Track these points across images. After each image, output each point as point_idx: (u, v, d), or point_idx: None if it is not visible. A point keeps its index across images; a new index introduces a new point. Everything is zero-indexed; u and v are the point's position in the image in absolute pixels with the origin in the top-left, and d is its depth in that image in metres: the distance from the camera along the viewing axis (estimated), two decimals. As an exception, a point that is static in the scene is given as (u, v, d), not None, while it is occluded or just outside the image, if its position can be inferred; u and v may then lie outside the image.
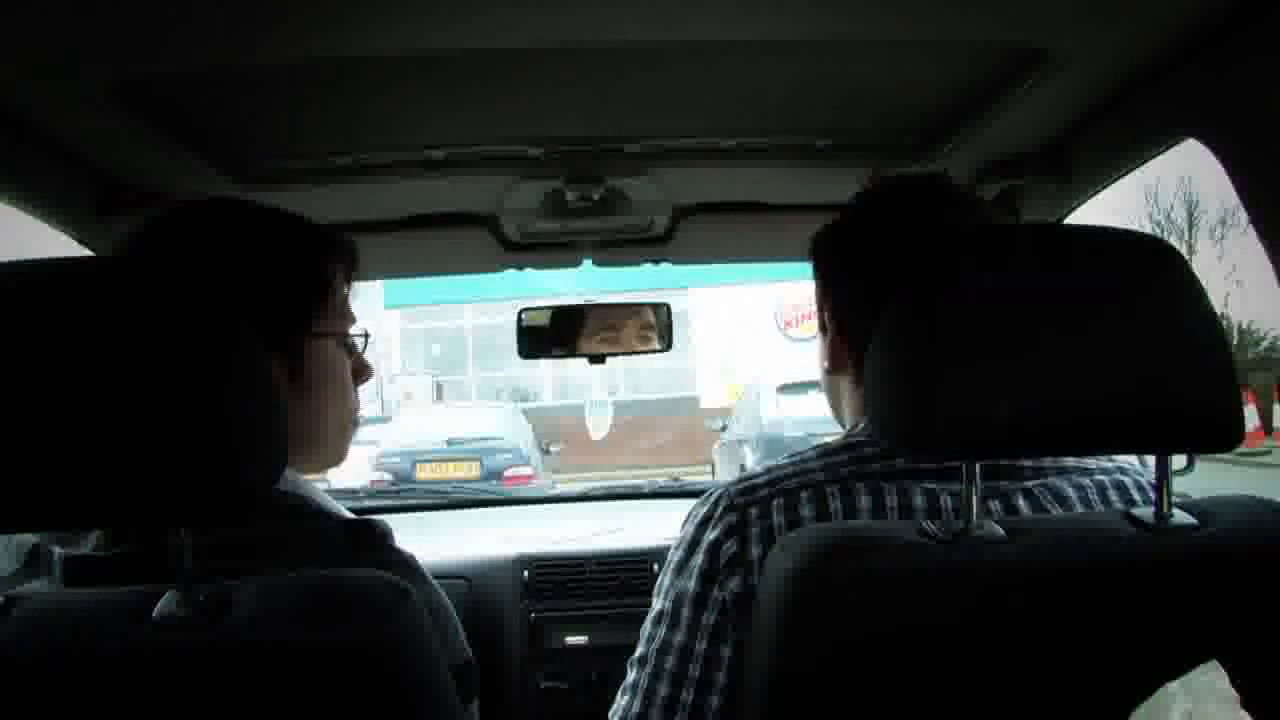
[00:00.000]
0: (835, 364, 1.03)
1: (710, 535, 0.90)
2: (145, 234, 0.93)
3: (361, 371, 1.04)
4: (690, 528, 0.93)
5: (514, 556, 1.83)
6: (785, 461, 0.94)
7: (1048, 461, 0.92)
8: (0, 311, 0.65)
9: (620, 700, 0.93)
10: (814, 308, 1.08)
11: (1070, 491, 0.90)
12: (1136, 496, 0.91)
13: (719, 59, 1.14)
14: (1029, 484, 0.90)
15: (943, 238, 0.81)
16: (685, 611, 0.89)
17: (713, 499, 0.93)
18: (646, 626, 0.93)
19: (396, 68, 1.10)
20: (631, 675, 0.92)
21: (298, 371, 0.94)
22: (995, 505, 0.88)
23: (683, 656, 0.88)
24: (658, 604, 0.93)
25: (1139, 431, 0.78)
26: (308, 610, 0.68)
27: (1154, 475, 0.81)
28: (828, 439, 1.01)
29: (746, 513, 0.89)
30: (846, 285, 1.01)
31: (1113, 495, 0.91)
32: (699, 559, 0.90)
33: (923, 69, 1.19)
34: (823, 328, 1.05)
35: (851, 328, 0.99)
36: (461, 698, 0.78)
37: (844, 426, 1.06)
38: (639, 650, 0.92)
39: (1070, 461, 0.93)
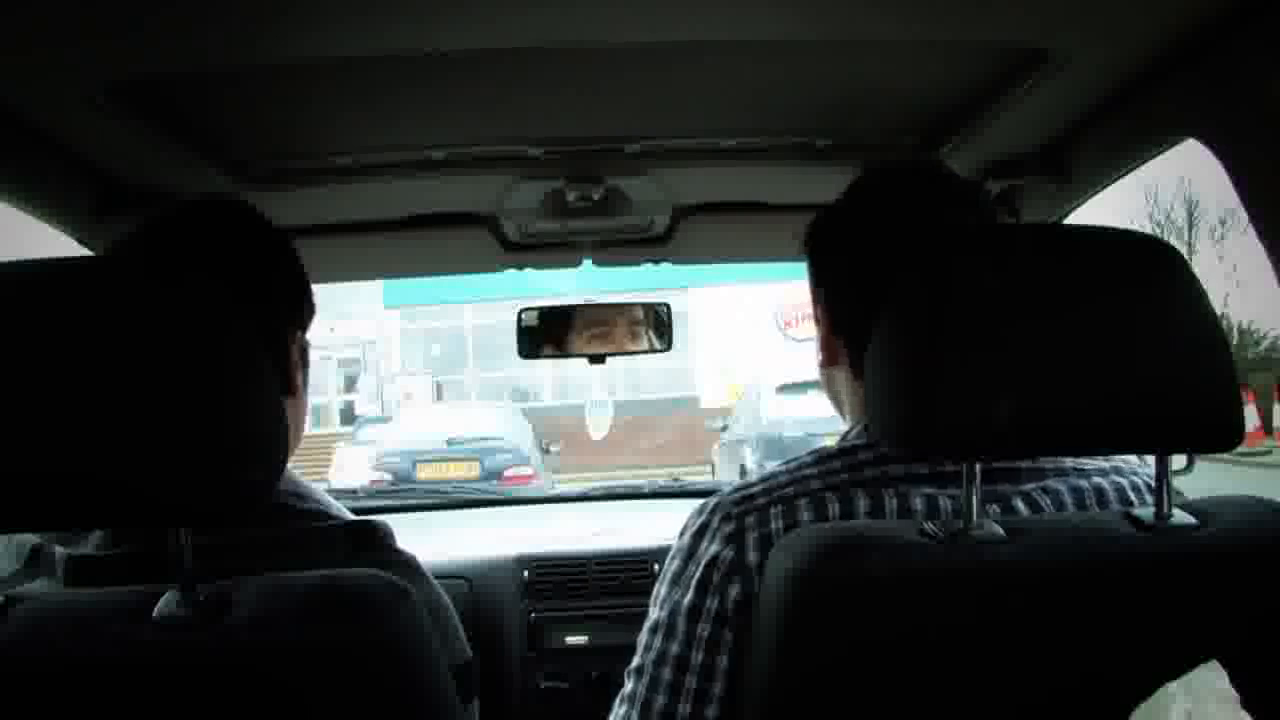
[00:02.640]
0: (829, 357, 1.02)
1: (706, 546, 0.89)
2: (142, 234, 0.93)
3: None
4: (686, 538, 0.93)
5: (514, 556, 1.83)
6: (780, 469, 0.93)
7: (1046, 464, 0.91)
8: (0, 311, 0.65)
9: (618, 710, 0.93)
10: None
11: (1067, 495, 0.90)
12: (1133, 497, 0.91)
13: (719, 59, 1.14)
14: (1026, 487, 0.90)
15: (940, 234, 0.81)
16: (681, 623, 0.89)
17: (708, 509, 0.92)
18: (643, 637, 0.92)
19: (396, 68, 1.10)
20: (629, 685, 0.92)
21: (282, 372, 0.95)
22: (994, 508, 0.87)
23: (679, 667, 0.88)
24: (654, 614, 0.92)
25: (1139, 431, 0.78)
26: (308, 610, 0.68)
27: (1154, 475, 0.81)
28: (828, 439, 1.01)
29: (744, 521, 0.88)
30: (839, 277, 1.00)
31: (1111, 497, 0.90)
32: (694, 570, 0.89)
33: (923, 69, 1.19)
34: (817, 321, 1.05)
35: (845, 321, 0.99)
36: (461, 698, 0.78)
37: (845, 420, 1.05)
38: (636, 660, 0.92)
39: (1068, 463, 0.92)
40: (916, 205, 0.97)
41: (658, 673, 0.89)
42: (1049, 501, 0.89)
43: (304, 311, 0.99)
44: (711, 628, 0.87)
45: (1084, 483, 0.91)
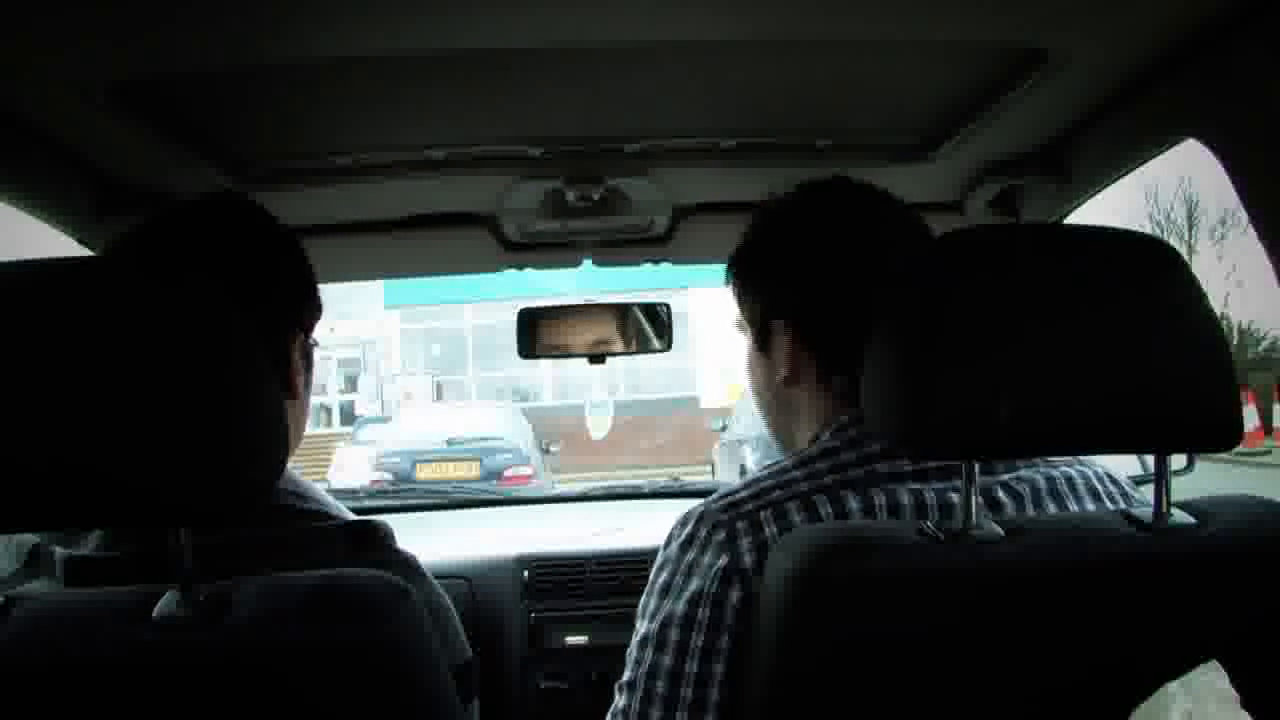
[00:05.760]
0: (794, 376, 1.00)
1: (696, 556, 0.89)
2: (142, 233, 0.93)
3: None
4: (673, 549, 0.92)
5: (514, 556, 1.83)
6: (763, 474, 0.93)
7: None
8: (0, 311, 0.65)
9: None
10: None
11: (1042, 483, 0.92)
12: (1098, 486, 0.94)
13: (719, 59, 1.14)
14: (1003, 477, 0.91)
15: (937, 239, 0.81)
16: (673, 634, 0.88)
17: (694, 519, 0.91)
18: (633, 650, 0.91)
19: (396, 68, 1.10)
20: (621, 700, 0.91)
21: (281, 374, 0.94)
22: (978, 500, 0.88)
23: (673, 679, 0.87)
24: (643, 626, 0.91)
25: (1139, 431, 0.78)
26: (308, 610, 0.68)
27: (1148, 473, 0.81)
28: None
29: (734, 527, 0.88)
30: (802, 291, 0.99)
31: (1079, 484, 0.94)
32: (685, 581, 0.89)
33: (923, 69, 1.19)
34: (763, 344, 1.03)
35: (814, 335, 0.98)
36: (461, 698, 0.78)
37: (789, 446, 1.03)
38: (627, 675, 0.91)
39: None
40: (851, 210, 1.00)
41: (651, 686, 0.88)
42: (1026, 489, 0.91)
43: (304, 312, 0.98)
44: (706, 637, 0.87)
45: (1054, 472, 0.94)
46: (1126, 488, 0.97)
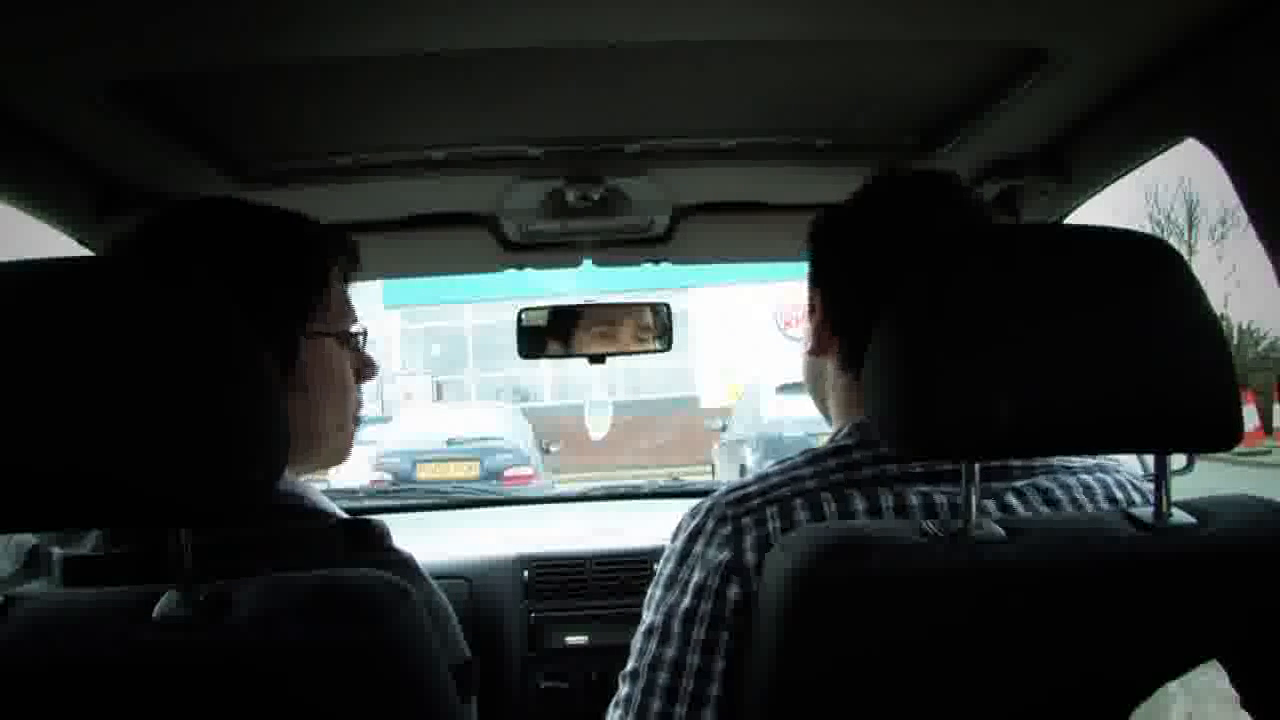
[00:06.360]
0: (819, 346, 1.04)
1: (702, 549, 0.90)
2: (141, 233, 0.93)
3: (364, 369, 1.04)
4: (680, 540, 0.93)
5: (514, 556, 1.83)
6: (773, 470, 0.93)
7: (1037, 461, 0.92)
8: (0, 311, 0.65)
9: (613, 715, 0.92)
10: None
11: (1058, 491, 0.91)
12: (1118, 494, 0.93)
13: (719, 59, 1.14)
14: (1019, 484, 0.91)
15: (938, 239, 0.82)
16: (676, 626, 0.88)
17: (703, 511, 0.92)
18: (637, 641, 0.92)
19: (396, 68, 1.10)
20: (624, 689, 0.92)
21: (293, 370, 0.94)
22: (989, 505, 0.88)
23: (675, 671, 0.88)
24: (648, 617, 0.92)
25: (1139, 431, 0.78)
26: (307, 610, 0.68)
27: (1151, 473, 0.81)
28: (827, 439, 1.01)
29: (740, 522, 0.88)
30: (838, 276, 1.01)
31: (1098, 493, 0.92)
32: (690, 573, 0.89)
33: (923, 69, 1.19)
34: (812, 309, 1.06)
35: (841, 319, 1.00)
36: (461, 697, 0.78)
37: (826, 416, 1.06)
38: (630, 665, 0.92)
39: (1057, 461, 0.94)
40: (916, 211, 0.98)
41: (653, 677, 0.89)
42: (1040, 498, 0.90)
43: (320, 307, 0.97)
44: (708, 631, 0.87)
45: (1072, 479, 0.92)
46: (1150, 495, 0.94)
